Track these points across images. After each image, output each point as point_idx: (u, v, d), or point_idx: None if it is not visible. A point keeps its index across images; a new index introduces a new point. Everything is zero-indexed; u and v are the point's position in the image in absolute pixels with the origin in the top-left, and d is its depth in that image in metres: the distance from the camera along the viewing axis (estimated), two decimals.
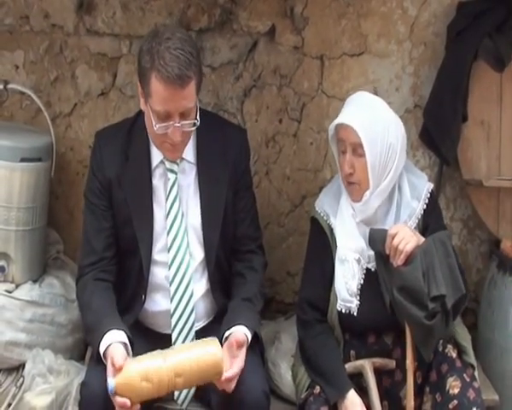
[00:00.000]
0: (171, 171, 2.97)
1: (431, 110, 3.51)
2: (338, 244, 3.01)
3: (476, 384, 2.84)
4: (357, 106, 2.99)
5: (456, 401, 2.77)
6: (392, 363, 2.95)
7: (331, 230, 3.05)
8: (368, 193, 2.95)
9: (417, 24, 3.59)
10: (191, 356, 2.66)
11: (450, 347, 2.93)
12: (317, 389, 2.92)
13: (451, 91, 3.41)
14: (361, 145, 2.90)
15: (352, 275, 2.96)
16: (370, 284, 2.97)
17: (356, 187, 2.97)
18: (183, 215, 2.97)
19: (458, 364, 2.88)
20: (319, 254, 3.08)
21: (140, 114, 3.01)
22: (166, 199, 2.97)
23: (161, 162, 2.97)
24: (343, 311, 2.98)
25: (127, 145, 3.00)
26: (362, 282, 2.98)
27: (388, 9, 3.59)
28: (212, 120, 3.06)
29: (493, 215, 3.55)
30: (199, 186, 2.99)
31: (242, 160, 3.08)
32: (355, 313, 2.96)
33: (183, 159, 2.98)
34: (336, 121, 2.95)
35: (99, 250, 2.98)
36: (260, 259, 3.13)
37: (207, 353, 2.67)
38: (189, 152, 2.99)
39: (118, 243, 3.02)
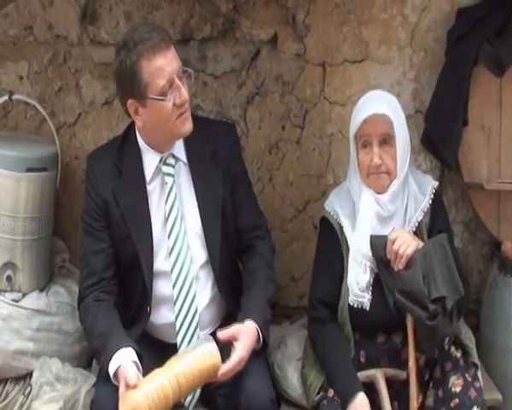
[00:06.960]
0: (168, 174, 2.98)
1: (432, 115, 3.54)
2: (352, 246, 3.01)
3: (478, 384, 2.87)
4: (380, 99, 3.02)
5: (457, 400, 2.80)
6: (402, 375, 2.94)
7: (341, 228, 3.06)
8: (396, 181, 2.97)
9: (418, 30, 3.62)
10: (191, 363, 2.65)
11: (454, 347, 2.96)
12: (331, 393, 2.90)
13: (452, 96, 3.44)
14: (390, 135, 2.93)
15: (364, 271, 2.97)
16: (380, 283, 2.98)
17: (384, 177, 2.97)
18: (182, 218, 2.98)
19: (461, 363, 2.91)
20: (329, 252, 3.09)
21: (129, 128, 3.04)
22: (166, 202, 2.97)
23: (157, 169, 2.98)
24: (355, 306, 2.98)
25: (119, 161, 3.01)
26: (372, 281, 2.98)
27: (389, 16, 3.61)
28: (199, 121, 3.06)
29: (494, 217, 3.58)
30: (194, 187, 3.00)
31: (234, 154, 3.10)
32: (367, 308, 2.96)
33: (177, 159, 2.99)
34: (367, 114, 2.93)
35: (98, 271, 2.97)
36: (266, 243, 3.12)
37: (205, 354, 2.67)
38: (181, 153, 3.01)
39: (118, 262, 3.02)
